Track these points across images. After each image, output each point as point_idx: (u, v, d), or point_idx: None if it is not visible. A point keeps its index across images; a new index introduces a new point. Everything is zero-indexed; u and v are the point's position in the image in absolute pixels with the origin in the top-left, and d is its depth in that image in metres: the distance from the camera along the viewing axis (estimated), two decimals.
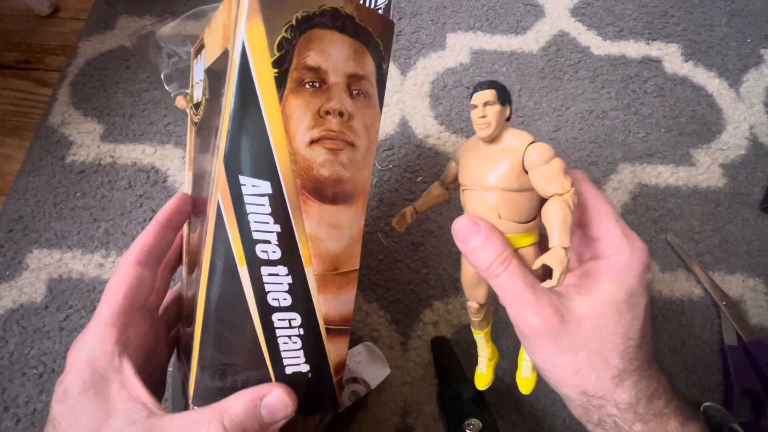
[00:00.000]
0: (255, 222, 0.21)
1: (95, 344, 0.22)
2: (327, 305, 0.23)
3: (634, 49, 0.58)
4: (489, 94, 0.23)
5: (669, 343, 0.42)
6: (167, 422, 0.21)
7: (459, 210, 0.26)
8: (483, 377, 0.30)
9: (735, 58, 0.58)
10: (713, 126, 0.53)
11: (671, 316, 0.43)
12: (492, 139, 0.24)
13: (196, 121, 0.28)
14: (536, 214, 0.24)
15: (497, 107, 0.23)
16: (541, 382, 0.29)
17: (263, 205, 0.21)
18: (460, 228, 0.23)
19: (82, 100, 0.53)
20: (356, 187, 0.23)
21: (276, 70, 0.20)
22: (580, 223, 0.25)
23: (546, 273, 0.23)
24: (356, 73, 0.23)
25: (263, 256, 0.21)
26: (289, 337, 0.23)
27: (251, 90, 0.20)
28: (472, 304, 0.28)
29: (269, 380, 0.23)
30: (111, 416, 0.21)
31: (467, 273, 0.27)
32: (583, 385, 0.22)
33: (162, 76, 0.49)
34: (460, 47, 0.58)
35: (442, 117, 0.53)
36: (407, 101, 0.54)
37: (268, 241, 0.21)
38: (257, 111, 0.20)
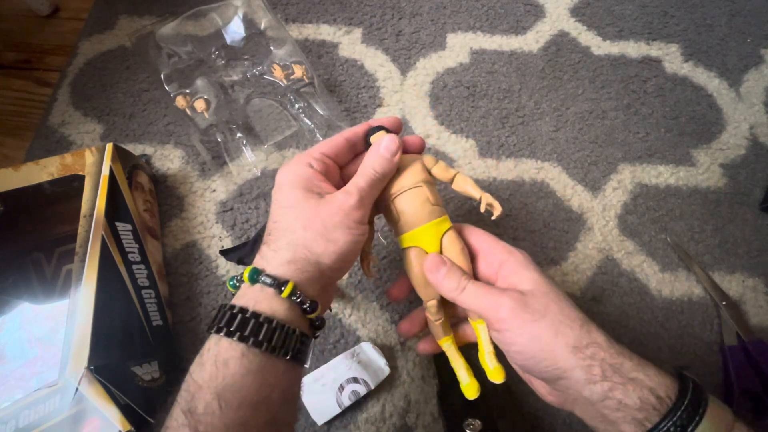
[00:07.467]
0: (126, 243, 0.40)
1: (301, 167, 0.29)
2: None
3: (634, 49, 0.58)
4: (384, 133, 0.30)
5: (669, 343, 0.42)
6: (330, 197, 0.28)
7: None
8: (470, 386, 0.31)
9: (735, 58, 0.58)
10: (713, 126, 0.53)
11: (671, 316, 0.43)
12: None
13: None
14: (440, 202, 0.31)
15: None
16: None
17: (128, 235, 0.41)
18: (430, 260, 0.29)
19: (82, 100, 0.53)
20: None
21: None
22: (475, 252, 0.32)
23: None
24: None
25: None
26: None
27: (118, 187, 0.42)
28: (432, 303, 0.31)
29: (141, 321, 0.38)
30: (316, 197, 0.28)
31: (417, 274, 0.30)
32: (569, 340, 0.25)
33: (162, 76, 0.49)
34: (460, 47, 0.58)
35: (442, 117, 0.53)
36: (407, 101, 0.54)
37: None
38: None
